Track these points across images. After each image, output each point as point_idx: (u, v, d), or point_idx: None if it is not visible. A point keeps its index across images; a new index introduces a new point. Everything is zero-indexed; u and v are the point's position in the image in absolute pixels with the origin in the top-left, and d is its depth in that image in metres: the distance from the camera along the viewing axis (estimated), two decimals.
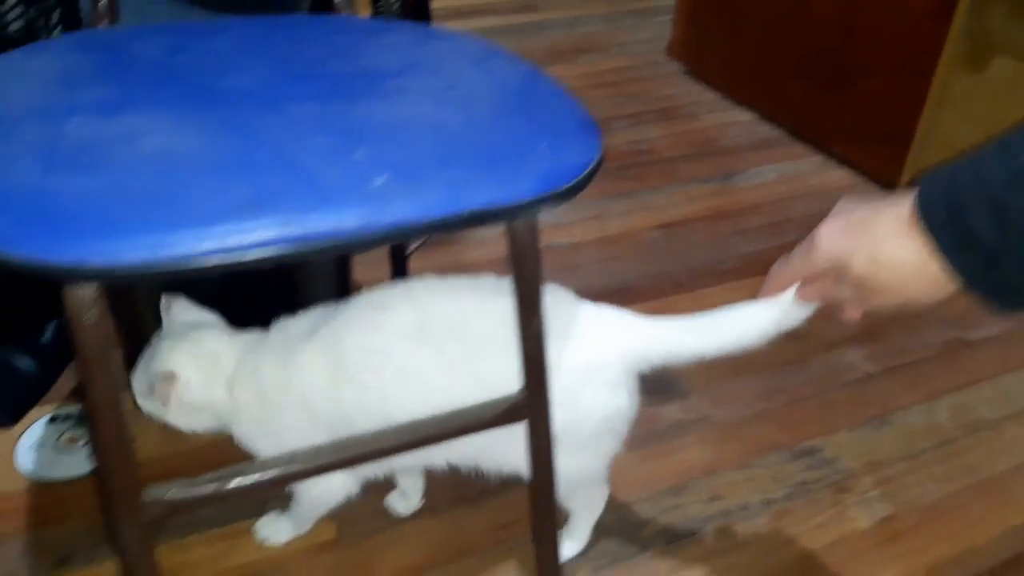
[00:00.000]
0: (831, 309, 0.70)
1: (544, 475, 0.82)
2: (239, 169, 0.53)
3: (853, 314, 0.68)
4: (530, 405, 0.76)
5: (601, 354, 0.80)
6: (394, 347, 0.77)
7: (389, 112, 0.61)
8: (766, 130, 1.96)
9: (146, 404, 0.82)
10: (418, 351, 0.77)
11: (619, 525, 1.01)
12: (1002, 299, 0.53)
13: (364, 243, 0.52)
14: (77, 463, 1.04)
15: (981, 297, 0.54)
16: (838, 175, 1.80)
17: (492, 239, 1.51)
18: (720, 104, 2.07)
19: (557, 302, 0.81)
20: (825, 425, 1.17)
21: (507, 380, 0.72)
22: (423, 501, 1.02)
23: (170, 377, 0.79)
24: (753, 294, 1.43)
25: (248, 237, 0.49)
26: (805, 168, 1.82)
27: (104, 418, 0.59)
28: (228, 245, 0.49)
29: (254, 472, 0.69)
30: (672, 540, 1.00)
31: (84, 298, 0.52)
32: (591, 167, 0.60)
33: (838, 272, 0.62)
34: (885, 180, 1.72)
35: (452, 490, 1.04)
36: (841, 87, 1.78)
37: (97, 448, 0.61)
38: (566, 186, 0.57)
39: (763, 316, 0.75)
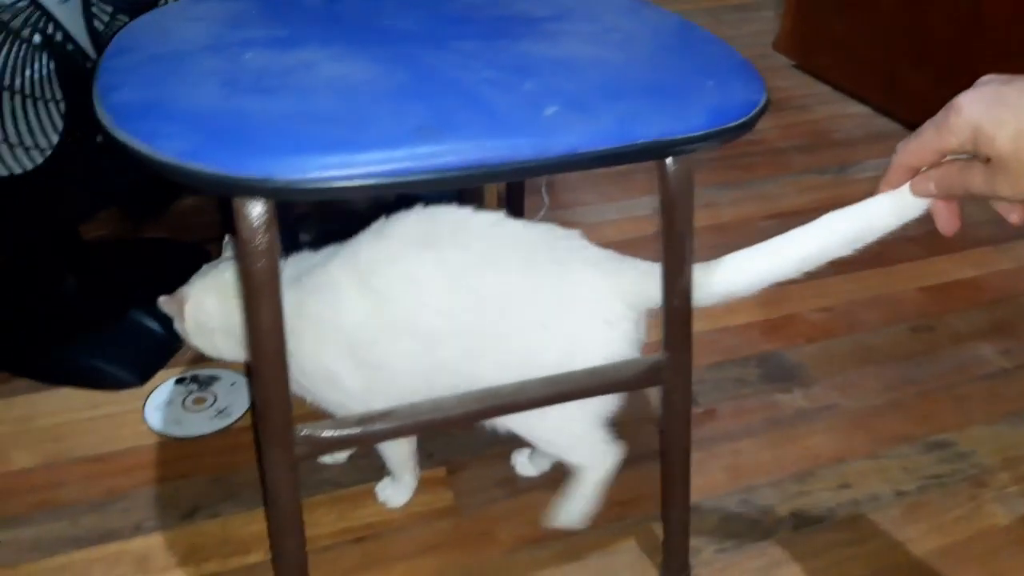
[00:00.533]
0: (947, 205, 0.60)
1: (678, 445, 0.80)
2: (414, 95, 0.53)
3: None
4: (671, 368, 0.75)
5: (598, 292, 0.78)
6: (401, 251, 0.78)
7: (551, 51, 0.61)
8: (882, 123, 1.89)
9: (178, 328, 0.89)
10: (422, 255, 0.77)
11: (744, 508, 0.98)
12: None
13: (537, 170, 0.51)
14: (203, 422, 1.07)
15: None
16: None
17: (608, 223, 1.50)
18: (831, 96, 2.01)
19: (558, 239, 0.81)
20: (958, 419, 1.11)
21: (497, 296, 0.76)
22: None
23: (179, 300, 0.86)
24: (874, 286, 1.37)
25: (429, 160, 0.49)
26: None
27: (265, 348, 0.60)
28: (410, 167, 0.49)
29: (400, 417, 0.69)
30: (799, 526, 0.96)
31: (259, 219, 0.53)
32: (760, 106, 0.58)
33: (975, 147, 0.54)
34: None
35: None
36: (965, 77, 1.70)
37: (255, 379, 0.62)
38: (738, 121, 0.56)
39: (845, 223, 0.71)
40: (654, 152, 0.54)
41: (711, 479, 1.01)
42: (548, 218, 1.48)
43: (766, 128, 1.85)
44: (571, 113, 0.52)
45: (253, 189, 0.49)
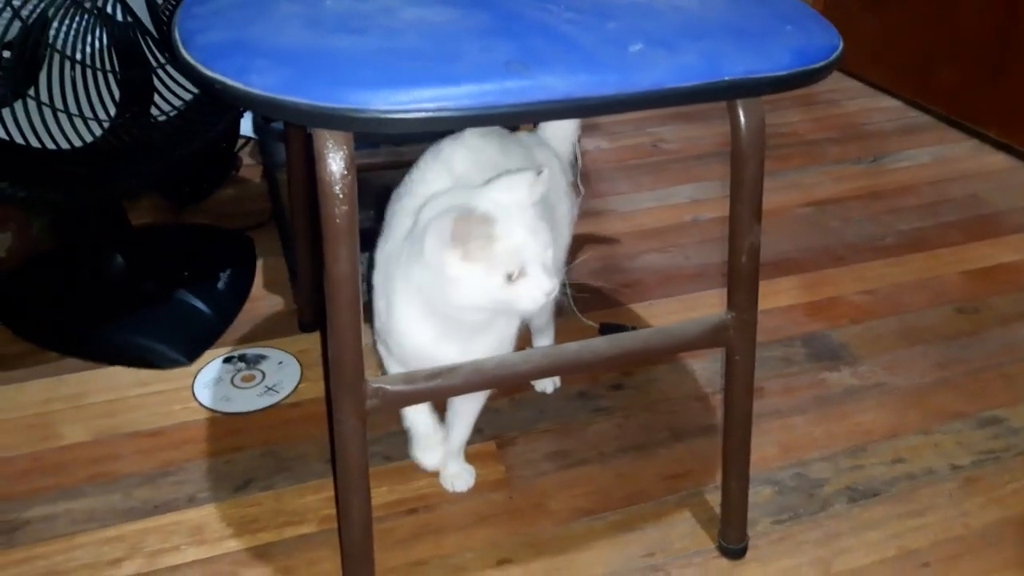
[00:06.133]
0: None
1: (740, 408, 0.80)
2: (499, 34, 0.54)
3: None
4: (736, 328, 0.74)
5: None
6: None
7: None
8: (914, 115, 1.89)
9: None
10: None
11: (798, 482, 0.97)
12: None
13: (624, 105, 0.52)
14: (252, 399, 1.08)
15: None
16: (995, 159, 1.71)
17: (642, 211, 1.51)
18: (863, 91, 2.01)
19: None
20: (1009, 396, 1.10)
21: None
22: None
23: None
24: (916, 270, 1.37)
25: (520, 94, 0.50)
26: (959, 152, 1.74)
27: (342, 296, 0.60)
28: (501, 100, 0.49)
29: (466, 372, 0.69)
30: (854, 500, 0.95)
31: (342, 161, 0.54)
32: (839, 51, 0.58)
33: None
34: None
35: (617, 440, 1.02)
36: (999, 67, 1.70)
37: (331, 328, 0.62)
38: (821, 64, 0.56)
39: None
40: (740, 90, 0.54)
41: (764, 454, 1.00)
42: (583, 207, 1.49)
43: (797, 121, 1.86)
44: (656, 50, 0.53)
45: (347, 120, 0.49)
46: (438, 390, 0.69)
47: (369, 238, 0.98)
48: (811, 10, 0.64)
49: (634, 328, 1.07)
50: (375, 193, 1.05)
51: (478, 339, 0.74)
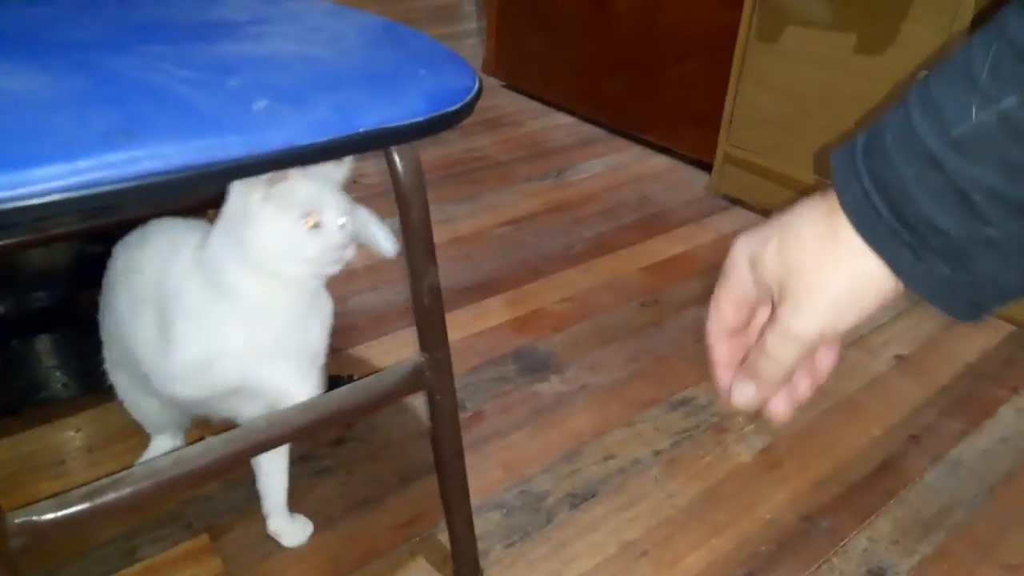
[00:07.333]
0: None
1: (451, 447, 0.79)
2: (99, 101, 0.47)
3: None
4: (432, 368, 0.74)
5: None
6: None
7: (253, 50, 0.58)
8: (587, 129, 2.06)
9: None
10: None
11: (523, 499, 0.99)
12: (953, 301, 0.38)
13: (253, 169, 0.48)
14: None
15: (927, 297, 0.38)
16: (658, 161, 1.92)
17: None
18: (541, 111, 2.15)
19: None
20: (693, 376, 1.22)
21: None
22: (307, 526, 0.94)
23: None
24: (604, 272, 1.48)
25: (125, 167, 0.44)
26: (627, 158, 1.93)
27: None
28: (101, 176, 0.43)
29: (135, 480, 0.61)
30: (575, 504, 0.99)
31: None
32: (475, 92, 0.59)
33: (756, 279, 0.43)
34: (700, 160, 1.85)
35: (344, 499, 0.97)
36: (650, 80, 1.91)
37: None
38: (456, 107, 0.56)
39: None
40: (377, 141, 0.53)
41: (489, 478, 1.01)
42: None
43: (487, 144, 1.94)
44: (283, 106, 0.50)
45: None
46: (109, 506, 0.59)
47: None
48: (447, 51, 0.64)
49: (350, 377, 1.03)
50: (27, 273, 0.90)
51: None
